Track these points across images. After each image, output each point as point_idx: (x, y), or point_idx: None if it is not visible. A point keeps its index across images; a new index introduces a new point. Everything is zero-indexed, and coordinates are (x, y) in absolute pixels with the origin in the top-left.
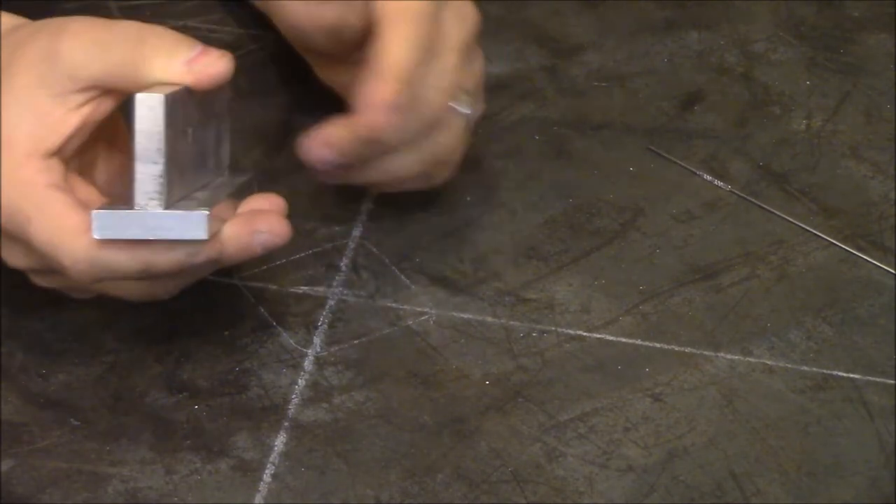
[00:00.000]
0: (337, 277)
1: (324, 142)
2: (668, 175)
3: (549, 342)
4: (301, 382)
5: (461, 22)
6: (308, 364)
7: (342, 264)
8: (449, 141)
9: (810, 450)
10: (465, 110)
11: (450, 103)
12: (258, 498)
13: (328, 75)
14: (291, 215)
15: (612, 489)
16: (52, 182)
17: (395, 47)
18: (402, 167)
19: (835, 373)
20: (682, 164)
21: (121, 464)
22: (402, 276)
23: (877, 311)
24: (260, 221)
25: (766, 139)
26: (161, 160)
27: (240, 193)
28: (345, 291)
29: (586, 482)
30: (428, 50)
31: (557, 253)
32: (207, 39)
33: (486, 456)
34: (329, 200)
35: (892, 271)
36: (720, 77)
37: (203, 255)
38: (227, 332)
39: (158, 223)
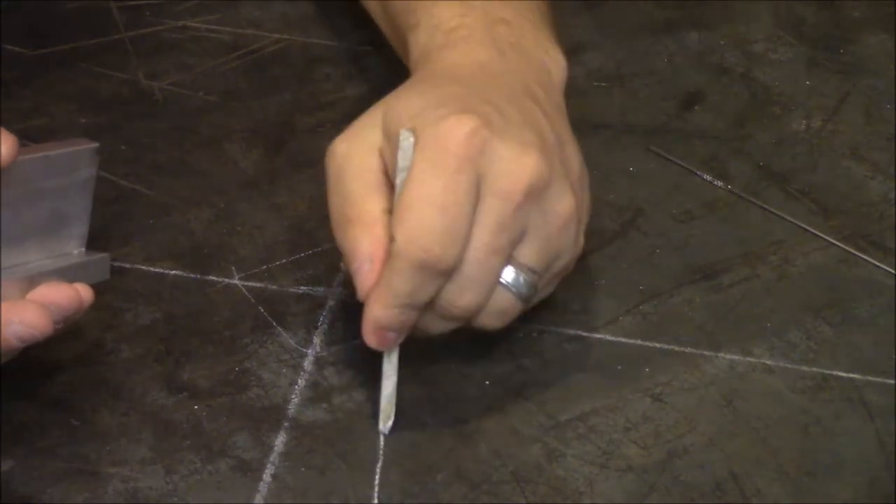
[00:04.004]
0: (337, 277)
1: (374, 328)
2: (668, 175)
3: (549, 342)
4: (301, 382)
5: (516, 171)
6: (308, 364)
7: (342, 264)
8: (487, 321)
9: (810, 450)
10: (512, 287)
11: (500, 278)
12: (258, 498)
13: None
14: (291, 215)
15: (612, 489)
16: None
17: (412, 222)
18: (438, 327)
19: (835, 373)
20: (682, 164)
21: (121, 464)
22: None
23: (877, 311)
24: (12, 312)
25: (766, 139)
26: None
27: (82, 273)
28: (345, 291)
29: (586, 482)
30: (461, 203)
31: None
32: (207, 39)
33: (486, 456)
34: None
35: (892, 271)
36: (720, 77)
37: None
38: (227, 332)
39: None
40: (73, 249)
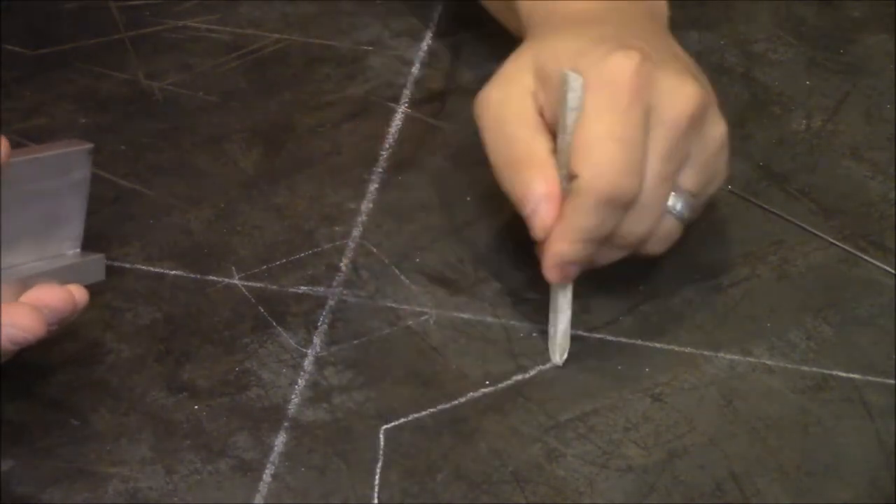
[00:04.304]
0: (337, 277)
1: (557, 264)
2: None
3: None
4: (301, 382)
5: (680, 100)
6: (308, 364)
7: (342, 264)
8: (654, 247)
9: (810, 450)
10: (675, 211)
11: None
12: (258, 498)
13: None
14: (291, 215)
15: (612, 489)
16: None
17: (596, 158)
18: (610, 256)
19: (835, 373)
20: None
21: (121, 464)
22: (402, 276)
23: (877, 311)
24: (5, 315)
25: (766, 139)
26: None
27: (77, 274)
28: (345, 291)
29: (586, 482)
30: (636, 137)
31: None
32: (207, 39)
33: (486, 456)
34: (329, 200)
35: (892, 271)
36: (720, 77)
37: None
38: (227, 332)
39: None
40: (68, 250)
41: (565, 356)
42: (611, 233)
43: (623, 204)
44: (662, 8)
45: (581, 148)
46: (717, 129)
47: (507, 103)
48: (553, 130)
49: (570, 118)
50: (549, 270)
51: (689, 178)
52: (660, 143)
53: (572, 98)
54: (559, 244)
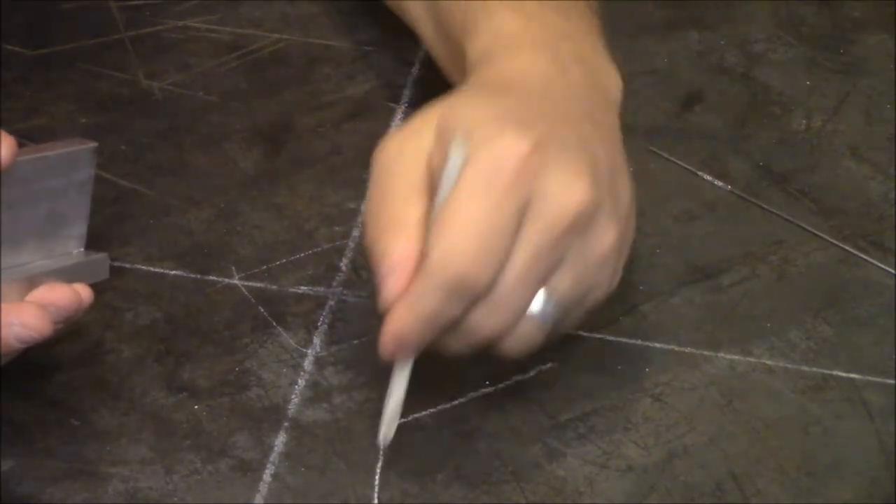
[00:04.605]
0: (337, 277)
1: (393, 339)
2: (668, 175)
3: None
4: (301, 382)
5: (567, 190)
6: (308, 364)
7: (342, 264)
8: (510, 348)
9: (810, 450)
10: (538, 315)
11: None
12: (258, 498)
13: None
14: (291, 215)
15: (612, 489)
16: None
17: (449, 240)
18: (458, 348)
19: (835, 373)
20: (682, 164)
21: (121, 464)
22: None
23: (877, 311)
24: (12, 314)
25: (766, 139)
26: None
27: (81, 273)
28: (345, 291)
29: (586, 482)
30: (504, 227)
31: None
32: (207, 39)
33: (486, 456)
34: (329, 200)
35: (892, 271)
36: (720, 77)
37: None
38: (227, 332)
39: None
40: (73, 249)
41: (389, 439)
42: (456, 321)
43: (469, 294)
44: (614, 83)
45: (440, 225)
46: (604, 237)
47: (399, 160)
48: None
49: (444, 191)
50: (384, 344)
51: (561, 283)
52: (531, 240)
53: (450, 170)
54: (397, 320)
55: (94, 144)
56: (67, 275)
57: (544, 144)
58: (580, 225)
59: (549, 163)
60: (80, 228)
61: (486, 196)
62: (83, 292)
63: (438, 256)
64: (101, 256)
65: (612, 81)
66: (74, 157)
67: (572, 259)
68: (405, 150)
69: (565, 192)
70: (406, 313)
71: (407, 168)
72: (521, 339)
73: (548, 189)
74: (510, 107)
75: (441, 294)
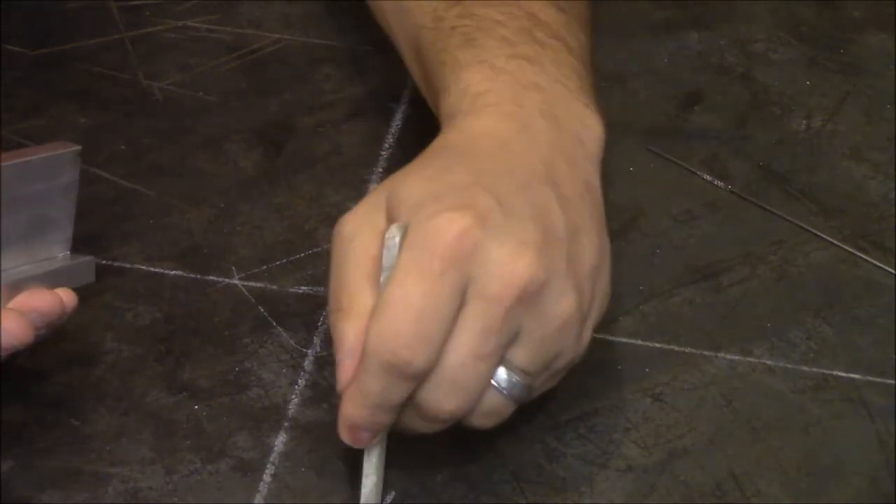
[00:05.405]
0: None
1: (346, 425)
2: (668, 175)
3: None
4: (301, 382)
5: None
6: (308, 364)
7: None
8: (478, 422)
9: (810, 450)
10: (501, 387)
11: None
12: (258, 498)
13: None
14: (291, 215)
15: (612, 489)
16: None
17: (383, 324)
18: (426, 428)
19: (835, 373)
20: (682, 164)
21: (121, 464)
22: None
23: (877, 311)
24: None
25: (766, 139)
26: None
27: (67, 277)
28: None
29: (586, 482)
30: (440, 307)
31: None
32: (207, 39)
33: (486, 456)
34: (329, 200)
35: (892, 271)
36: (720, 77)
37: None
38: (227, 332)
39: None
40: (58, 253)
41: None
42: (405, 402)
43: (407, 375)
44: (591, 132)
45: (377, 308)
46: (560, 305)
47: (354, 241)
48: None
49: (384, 276)
50: (341, 432)
51: (521, 356)
52: (476, 319)
53: (387, 256)
54: (348, 405)
55: (77, 148)
56: (53, 279)
57: (484, 219)
58: (528, 297)
59: (487, 239)
60: (65, 232)
61: (420, 277)
62: (66, 297)
63: (373, 339)
64: (86, 259)
65: (590, 131)
66: (58, 161)
67: (527, 330)
68: (361, 229)
69: (508, 265)
70: (354, 398)
71: (361, 250)
72: (488, 411)
73: (489, 264)
74: (454, 182)
75: (381, 376)
